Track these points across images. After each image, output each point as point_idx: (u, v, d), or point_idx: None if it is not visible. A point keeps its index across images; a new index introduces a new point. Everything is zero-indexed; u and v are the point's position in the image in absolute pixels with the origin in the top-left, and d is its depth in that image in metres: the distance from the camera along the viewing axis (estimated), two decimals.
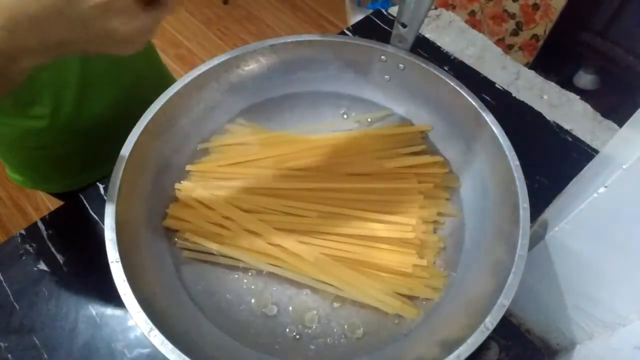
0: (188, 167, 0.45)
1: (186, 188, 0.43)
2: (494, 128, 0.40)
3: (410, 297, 0.39)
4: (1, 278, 0.46)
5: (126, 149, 0.38)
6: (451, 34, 0.68)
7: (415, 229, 0.40)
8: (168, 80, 0.66)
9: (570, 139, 0.56)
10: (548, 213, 0.41)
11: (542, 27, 1.16)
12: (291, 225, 0.41)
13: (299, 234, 0.40)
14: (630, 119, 0.35)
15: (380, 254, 0.40)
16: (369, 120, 0.49)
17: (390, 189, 0.43)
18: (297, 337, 0.38)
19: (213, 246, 0.40)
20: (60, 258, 0.47)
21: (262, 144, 0.47)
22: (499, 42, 1.26)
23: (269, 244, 0.40)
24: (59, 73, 0.48)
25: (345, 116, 0.50)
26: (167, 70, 0.67)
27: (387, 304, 0.37)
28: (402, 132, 0.47)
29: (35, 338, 0.43)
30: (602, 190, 0.29)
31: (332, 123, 0.49)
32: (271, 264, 0.40)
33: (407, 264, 0.39)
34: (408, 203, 0.42)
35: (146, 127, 0.40)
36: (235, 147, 0.47)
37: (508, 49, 1.26)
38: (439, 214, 0.43)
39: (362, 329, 0.38)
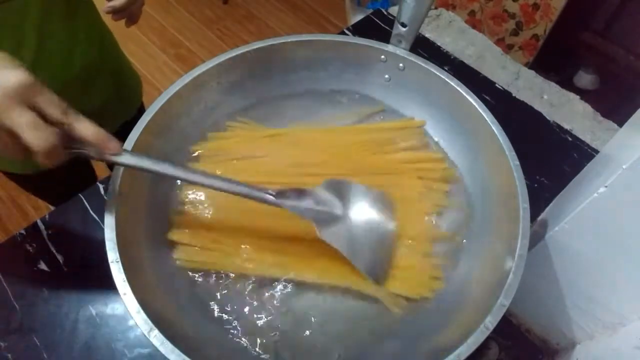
0: None
1: (186, 188, 0.43)
2: (494, 128, 0.40)
3: (408, 297, 0.39)
4: (1, 278, 0.46)
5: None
6: (451, 33, 0.68)
7: (414, 226, 0.40)
8: (126, 74, 0.67)
9: (570, 139, 0.56)
10: (548, 213, 0.41)
11: (542, 27, 1.16)
12: (291, 224, 0.41)
13: (298, 231, 0.40)
14: (630, 119, 0.35)
15: None
16: (369, 120, 0.49)
17: (390, 184, 0.43)
18: (297, 337, 0.37)
19: (214, 267, 0.40)
20: (60, 258, 0.47)
21: (262, 143, 0.47)
22: (499, 42, 1.26)
23: (268, 243, 0.40)
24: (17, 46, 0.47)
25: (344, 115, 0.50)
26: (127, 65, 0.68)
27: (384, 301, 0.37)
28: (401, 126, 0.47)
29: (35, 338, 0.43)
30: (602, 190, 0.29)
31: (332, 122, 0.49)
32: (270, 264, 0.39)
33: (406, 263, 0.39)
34: (408, 199, 0.42)
35: (146, 126, 0.40)
36: (236, 146, 0.46)
37: (508, 48, 1.26)
38: (439, 210, 0.43)
39: (315, 319, 0.38)
